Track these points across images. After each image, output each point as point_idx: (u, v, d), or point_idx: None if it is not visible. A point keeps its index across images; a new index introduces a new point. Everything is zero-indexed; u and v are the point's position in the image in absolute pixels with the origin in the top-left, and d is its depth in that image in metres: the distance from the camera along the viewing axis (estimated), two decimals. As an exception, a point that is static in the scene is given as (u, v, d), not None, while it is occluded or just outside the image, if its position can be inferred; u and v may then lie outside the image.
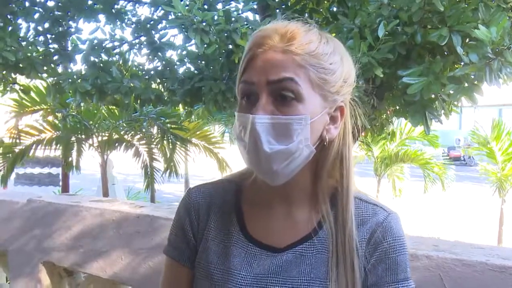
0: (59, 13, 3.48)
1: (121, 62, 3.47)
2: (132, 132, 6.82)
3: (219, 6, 3.24)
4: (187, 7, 2.53)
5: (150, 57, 3.35)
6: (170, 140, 6.47)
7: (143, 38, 3.39)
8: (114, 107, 5.02)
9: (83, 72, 3.28)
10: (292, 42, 0.67)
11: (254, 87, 0.68)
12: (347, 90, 0.73)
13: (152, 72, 3.37)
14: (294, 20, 0.71)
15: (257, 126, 0.66)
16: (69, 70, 3.49)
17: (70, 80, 3.16)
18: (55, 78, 3.44)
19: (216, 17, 2.68)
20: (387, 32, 2.16)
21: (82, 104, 3.96)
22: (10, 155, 6.41)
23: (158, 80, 3.42)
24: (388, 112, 3.15)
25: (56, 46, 3.49)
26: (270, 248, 0.74)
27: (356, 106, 0.77)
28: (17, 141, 6.36)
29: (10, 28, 3.29)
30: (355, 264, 0.70)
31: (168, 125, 6.49)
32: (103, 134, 6.68)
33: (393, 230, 0.73)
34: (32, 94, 6.07)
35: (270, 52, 0.68)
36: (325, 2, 2.94)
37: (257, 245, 0.75)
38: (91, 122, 6.49)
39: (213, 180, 0.86)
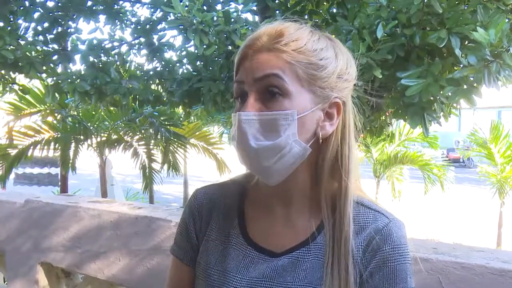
0: (58, 13, 3.47)
1: (118, 63, 3.46)
2: (131, 133, 6.81)
3: (219, 7, 3.25)
4: (186, 8, 2.53)
5: (149, 58, 3.35)
6: (163, 135, 6.45)
7: (142, 39, 3.39)
8: (112, 108, 5.02)
9: (82, 73, 3.27)
10: (279, 40, 0.68)
11: (244, 85, 0.69)
12: (344, 86, 0.72)
13: (151, 73, 3.37)
14: (287, 20, 0.72)
15: (243, 123, 0.67)
16: (68, 70, 3.48)
17: (69, 80, 3.16)
18: (54, 78, 3.43)
19: (215, 18, 2.68)
20: (385, 34, 2.16)
21: (80, 105, 3.96)
22: (8, 155, 6.39)
23: (157, 81, 3.42)
24: (387, 114, 3.15)
25: (55, 46, 3.49)
26: (267, 252, 0.74)
27: (357, 105, 0.76)
28: (12, 143, 6.35)
29: (9, 28, 3.28)
30: (349, 270, 0.68)
31: (163, 121, 6.47)
32: (102, 134, 6.68)
33: (393, 238, 0.70)
34: (28, 96, 6.06)
35: (259, 52, 0.69)
36: (325, 3, 2.94)
37: (255, 249, 0.74)
38: (89, 123, 6.49)
39: (219, 182, 0.87)
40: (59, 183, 7.72)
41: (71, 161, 6.57)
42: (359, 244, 0.70)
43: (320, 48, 0.70)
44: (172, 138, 6.56)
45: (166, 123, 6.51)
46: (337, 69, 0.71)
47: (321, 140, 0.71)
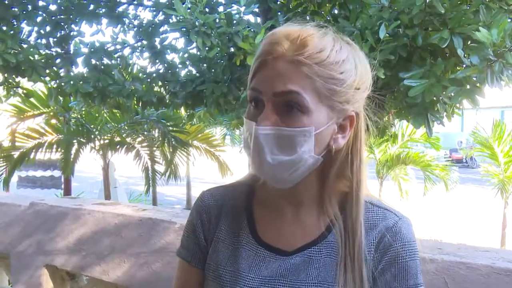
0: (61, 16, 3.49)
1: (121, 66, 3.47)
2: (134, 136, 6.84)
3: (221, 9, 3.25)
4: (188, 10, 2.54)
5: (151, 60, 3.36)
6: (171, 143, 6.49)
7: (145, 42, 3.40)
8: (116, 110, 5.04)
9: (85, 75, 3.29)
10: (302, 51, 0.65)
11: (261, 95, 0.68)
12: (359, 97, 0.72)
13: (154, 75, 3.38)
14: (309, 24, 0.69)
15: (260, 137, 0.66)
16: (71, 73, 3.50)
17: (71, 83, 3.17)
18: (57, 81, 3.45)
19: (217, 20, 2.69)
20: (388, 34, 2.17)
21: (83, 107, 3.98)
22: (12, 157, 6.42)
23: (160, 83, 3.43)
24: (390, 114, 3.14)
25: (58, 49, 3.50)
26: (279, 251, 0.74)
27: (369, 113, 0.76)
28: (15, 145, 6.38)
29: (12, 31, 3.30)
30: (363, 269, 0.70)
31: (169, 128, 6.50)
32: (105, 137, 6.70)
33: (403, 235, 0.72)
34: (32, 99, 6.10)
35: (279, 61, 0.66)
36: (327, 5, 2.94)
37: (266, 248, 0.75)
38: (92, 126, 6.51)
39: (225, 183, 0.87)
40: (62, 186, 7.74)
41: (71, 164, 6.60)
42: (370, 242, 0.72)
43: (342, 60, 0.68)
44: (178, 146, 6.58)
45: (172, 128, 6.52)
46: (356, 81, 0.70)
47: (333, 152, 0.71)
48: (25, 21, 3.44)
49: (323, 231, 0.74)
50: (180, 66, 3.36)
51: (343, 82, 0.68)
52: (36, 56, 3.31)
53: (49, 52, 3.46)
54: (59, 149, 6.51)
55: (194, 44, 2.77)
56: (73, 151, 6.55)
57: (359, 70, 0.71)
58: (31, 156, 6.50)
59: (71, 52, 3.51)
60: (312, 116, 0.66)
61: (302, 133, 0.66)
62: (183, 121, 6.60)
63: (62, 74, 3.57)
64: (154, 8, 3.65)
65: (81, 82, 3.17)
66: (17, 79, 3.62)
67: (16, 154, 6.44)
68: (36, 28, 3.46)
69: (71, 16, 3.49)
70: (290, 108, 0.66)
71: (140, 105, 3.48)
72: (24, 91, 3.93)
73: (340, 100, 0.69)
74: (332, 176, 0.73)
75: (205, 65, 3.19)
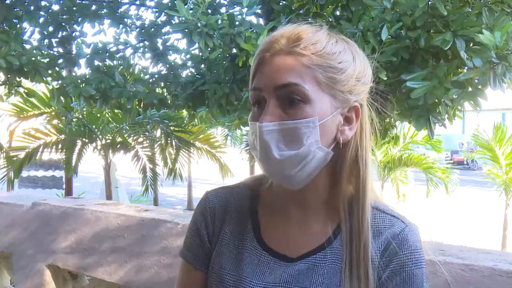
0: (63, 17, 3.50)
1: (123, 66, 3.48)
2: (135, 136, 6.84)
3: (223, 10, 3.26)
4: (191, 11, 2.54)
5: (154, 61, 3.36)
6: (174, 143, 6.50)
7: (147, 42, 3.41)
8: (118, 110, 5.05)
9: (87, 76, 3.29)
10: (297, 43, 0.67)
11: (262, 93, 0.68)
12: (361, 90, 0.71)
13: (156, 76, 3.38)
14: (303, 23, 0.71)
15: (264, 134, 0.66)
16: (73, 74, 3.50)
17: (74, 84, 3.17)
18: (60, 82, 3.45)
19: (220, 21, 2.69)
20: (390, 36, 2.17)
21: (85, 108, 3.99)
22: (17, 157, 6.43)
23: (162, 84, 3.43)
24: (392, 116, 3.14)
25: (60, 50, 3.51)
26: (283, 257, 0.73)
27: (373, 107, 0.75)
28: (22, 145, 6.40)
29: (14, 32, 3.31)
30: (369, 275, 0.69)
31: (172, 128, 6.51)
32: (107, 137, 6.70)
33: (410, 243, 0.71)
34: (33, 99, 6.11)
35: (277, 56, 0.67)
36: (329, 6, 2.95)
37: (270, 254, 0.74)
38: (94, 126, 6.52)
39: (230, 184, 0.85)
40: (64, 186, 7.75)
41: (73, 164, 6.60)
42: (376, 248, 0.71)
43: (339, 51, 0.69)
44: (182, 146, 6.59)
45: (175, 129, 6.52)
46: (355, 72, 0.70)
47: (341, 145, 0.70)
48: (27, 22, 3.45)
49: (329, 237, 0.72)
50: (181, 67, 3.36)
51: (343, 72, 0.69)
52: (39, 57, 3.32)
53: (51, 52, 3.46)
54: (62, 149, 6.51)
55: (196, 45, 2.78)
56: (76, 151, 6.56)
57: (358, 62, 0.71)
58: (37, 156, 6.50)
59: (73, 52, 3.52)
60: (314, 105, 0.66)
61: (306, 124, 0.66)
62: (185, 121, 6.60)
63: (64, 75, 3.58)
64: (156, 9, 3.66)
65: (83, 85, 3.17)
66: (18, 79, 3.62)
67: (22, 153, 6.44)
68: (38, 29, 3.47)
69: (73, 17, 3.50)
70: (292, 100, 0.66)
71: (141, 106, 3.48)
72: (26, 91, 3.93)
73: (341, 90, 0.69)
74: (344, 176, 0.72)
75: (207, 66, 3.19)
